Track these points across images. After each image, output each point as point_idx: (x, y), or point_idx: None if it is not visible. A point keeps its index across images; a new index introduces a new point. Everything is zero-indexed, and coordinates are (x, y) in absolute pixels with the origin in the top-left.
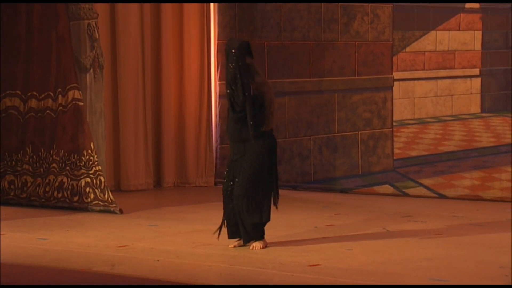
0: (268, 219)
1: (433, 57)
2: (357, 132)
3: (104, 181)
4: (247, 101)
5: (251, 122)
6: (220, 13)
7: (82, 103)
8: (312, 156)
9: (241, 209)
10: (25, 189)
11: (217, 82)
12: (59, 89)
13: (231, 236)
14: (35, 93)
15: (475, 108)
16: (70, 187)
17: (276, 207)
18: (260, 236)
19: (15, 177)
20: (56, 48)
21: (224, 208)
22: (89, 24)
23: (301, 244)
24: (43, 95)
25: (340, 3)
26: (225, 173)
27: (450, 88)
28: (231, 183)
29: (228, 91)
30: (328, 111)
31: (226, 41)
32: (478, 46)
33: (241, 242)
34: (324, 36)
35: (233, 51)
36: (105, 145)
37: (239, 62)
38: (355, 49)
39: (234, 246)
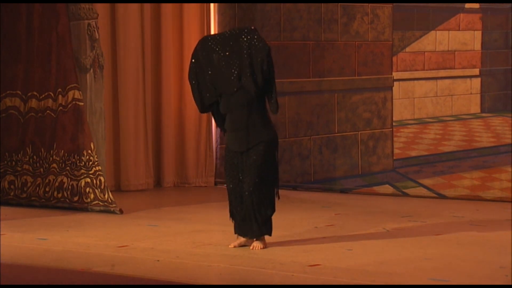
0: (275, 210)
1: (433, 57)
2: (357, 132)
3: (104, 181)
4: (274, 77)
5: (275, 96)
6: (220, 13)
7: (82, 103)
8: (312, 156)
9: (255, 203)
10: (25, 189)
11: None
12: (59, 89)
13: (244, 234)
14: (35, 93)
15: (475, 108)
16: (70, 187)
17: (278, 198)
18: (270, 230)
19: (15, 177)
20: (56, 48)
21: (236, 208)
22: (89, 24)
23: (301, 244)
24: (43, 95)
25: (340, 3)
26: (230, 170)
27: (450, 88)
28: (241, 178)
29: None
30: (328, 111)
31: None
32: (478, 46)
33: (242, 241)
34: (324, 36)
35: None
36: (105, 145)
37: None
38: (355, 49)
39: (234, 246)
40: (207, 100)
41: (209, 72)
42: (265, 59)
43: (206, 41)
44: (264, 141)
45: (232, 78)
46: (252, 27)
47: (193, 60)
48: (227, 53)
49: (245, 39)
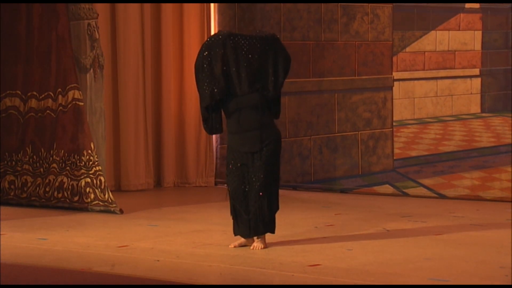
0: (279, 208)
1: (433, 57)
2: (357, 132)
3: (104, 181)
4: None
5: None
6: (220, 13)
7: (82, 103)
8: (312, 156)
9: (267, 202)
10: (25, 189)
11: None
12: (59, 89)
13: (247, 235)
14: (35, 93)
15: (475, 108)
16: (70, 187)
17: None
18: (274, 228)
19: (15, 177)
20: (56, 48)
21: (243, 207)
22: (89, 24)
23: (301, 244)
24: (43, 95)
25: (340, 3)
26: (235, 171)
27: (450, 88)
28: (255, 181)
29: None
30: (328, 111)
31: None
32: (478, 46)
33: (242, 242)
34: (324, 36)
35: None
36: (105, 145)
37: None
38: (355, 49)
39: (234, 246)
40: (216, 95)
41: (224, 69)
42: (288, 68)
43: (224, 38)
44: (274, 139)
45: (250, 79)
46: (276, 35)
47: (205, 53)
48: (249, 55)
49: (268, 45)
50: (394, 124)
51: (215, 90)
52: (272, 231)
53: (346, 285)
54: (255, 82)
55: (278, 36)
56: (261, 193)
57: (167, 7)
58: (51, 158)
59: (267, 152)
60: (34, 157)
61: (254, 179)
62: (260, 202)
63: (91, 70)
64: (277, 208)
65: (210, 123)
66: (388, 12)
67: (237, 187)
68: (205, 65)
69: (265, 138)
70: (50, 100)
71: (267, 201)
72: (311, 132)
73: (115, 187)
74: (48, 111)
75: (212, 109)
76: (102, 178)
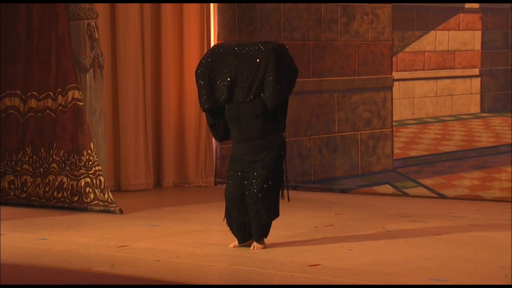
0: (279, 214)
1: (433, 57)
2: (357, 132)
3: (104, 181)
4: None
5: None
6: (220, 13)
7: (82, 103)
8: (312, 156)
9: (263, 207)
10: (25, 189)
11: None
12: (59, 89)
13: (245, 240)
14: (35, 93)
15: (475, 108)
16: (70, 187)
17: (288, 199)
18: (268, 233)
19: (15, 177)
20: (56, 48)
21: (239, 213)
22: (89, 24)
23: (301, 244)
24: (43, 95)
25: (340, 3)
26: (235, 177)
27: (450, 88)
28: (254, 185)
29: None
30: (328, 111)
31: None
32: (477, 46)
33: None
34: (324, 36)
35: None
36: (105, 145)
37: None
38: (355, 49)
39: (234, 246)
40: (215, 102)
41: (226, 76)
42: (294, 79)
43: (230, 46)
44: (275, 146)
45: (252, 87)
46: (283, 45)
47: (209, 60)
48: (252, 64)
49: (273, 55)
50: (394, 124)
51: (216, 96)
52: (265, 236)
53: (346, 285)
54: (257, 90)
55: (286, 47)
56: (260, 195)
57: (167, 7)
58: (50, 158)
59: (269, 158)
60: (34, 157)
61: (253, 182)
62: (257, 205)
63: (91, 70)
64: (277, 215)
65: (218, 130)
66: (388, 12)
67: (236, 191)
68: (206, 72)
69: (268, 146)
70: (50, 100)
71: (264, 205)
72: (311, 132)
73: (115, 187)
74: (48, 111)
75: (218, 116)
76: (101, 178)
